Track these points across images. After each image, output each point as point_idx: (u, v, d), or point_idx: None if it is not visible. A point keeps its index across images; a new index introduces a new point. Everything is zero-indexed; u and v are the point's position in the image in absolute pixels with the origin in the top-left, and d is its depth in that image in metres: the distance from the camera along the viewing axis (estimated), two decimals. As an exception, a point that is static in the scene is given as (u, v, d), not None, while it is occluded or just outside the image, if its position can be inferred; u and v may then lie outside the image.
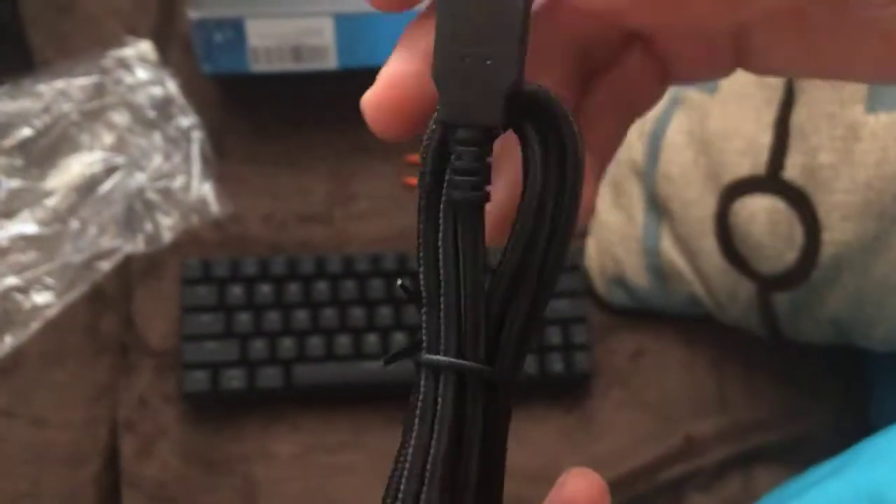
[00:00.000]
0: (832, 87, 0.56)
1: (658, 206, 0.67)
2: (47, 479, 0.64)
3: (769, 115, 0.60)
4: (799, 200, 0.58)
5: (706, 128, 0.63)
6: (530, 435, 0.66)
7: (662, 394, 0.67)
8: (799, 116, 0.58)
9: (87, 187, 0.66)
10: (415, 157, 0.71)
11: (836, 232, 0.57)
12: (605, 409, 0.67)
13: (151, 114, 0.67)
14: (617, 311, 0.70)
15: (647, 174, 0.67)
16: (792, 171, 0.58)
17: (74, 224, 0.65)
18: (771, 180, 0.59)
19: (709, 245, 0.63)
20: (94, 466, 0.65)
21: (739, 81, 0.62)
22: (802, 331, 0.63)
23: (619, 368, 0.68)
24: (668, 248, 0.66)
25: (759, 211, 0.60)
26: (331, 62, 0.66)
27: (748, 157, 0.60)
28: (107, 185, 0.66)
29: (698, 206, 0.64)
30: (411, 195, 0.70)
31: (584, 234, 0.71)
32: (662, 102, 0.68)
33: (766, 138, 0.60)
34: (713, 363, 0.68)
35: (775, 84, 0.60)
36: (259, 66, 0.66)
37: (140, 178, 0.66)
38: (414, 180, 0.70)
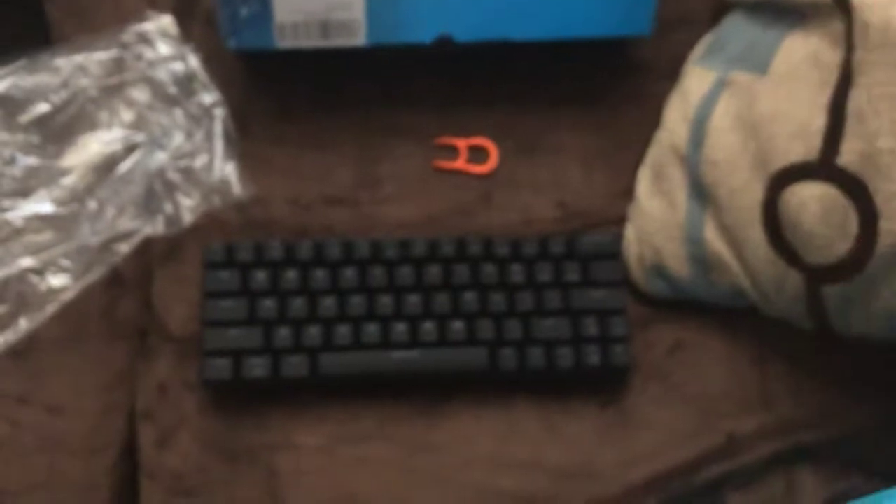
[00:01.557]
0: (894, 67, 0.53)
1: (702, 193, 0.63)
2: (62, 468, 0.62)
3: (823, 97, 0.57)
4: (854, 188, 0.55)
5: (755, 111, 0.60)
6: (565, 430, 0.63)
7: (703, 389, 0.64)
8: (857, 99, 0.55)
9: (106, 166, 0.63)
10: (445, 139, 0.68)
11: (895, 222, 0.53)
12: (642, 404, 0.64)
13: (173, 90, 0.64)
14: (656, 302, 0.67)
15: (691, 159, 0.64)
16: (848, 156, 0.55)
17: (92, 204, 0.62)
18: (824, 167, 0.56)
19: (756, 234, 0.60)
20: (111, 456, 0.63)
21: (791, 62, 0.59)
22: (853, 325, 0.60)
23: (658, 362, 0.65)
24: (713, 237, 0.63)
25: (810, 199, 0.56)
26: (360, 38, 0.63)
27: (800, 142, 0.57)
28: (126, 164, 0.63)
29: (745, 193, 0.60)
30: (441, 179, 0.68)
31: (622, 221, 0.68)
32: (708, 83, 0.66)
33: (819, 122, 0.56)
34: (756, 358, 0.65)
35: (830, 64, 0.57)
36: (285, 41, 0.63)
37: (160, 158, 0.63)
38: (444, 163, 0.68)
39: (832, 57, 0.56)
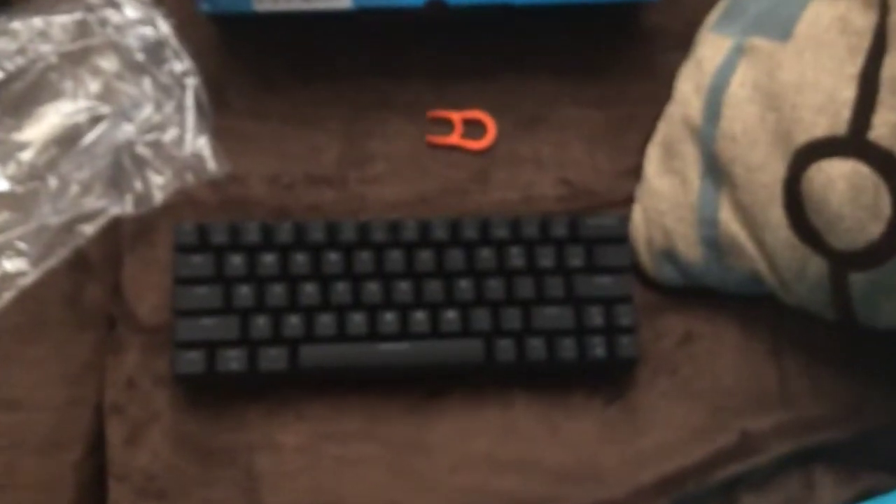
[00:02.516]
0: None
1: (717, 171, 0.59)
2: (22, 467, 0.57)
3: (853, 65, 0.52)
4: (887, 165, 0.50)
5: (776, 80, 0.55)
6: (567, 428, 0.58)
7: (715, 384, 0.60)
8: (891, 66, 0.50)
9: (68, 139, 0.58)
10: (439, 113, 0.63)
11: (933, 202, 0.49)
12: (650, 400, 0.60)
13: (141, 58, 0.59)
14: (665, 289, 0.62)
15: (706, 134, 0.59)
16: (880, 130, 0.50)
17: (53, 181, 0.57)
18: (854, 141, 0.51)
19: (776, 216, 0.55)
20: (75, 454, 0.58)
21: (818, 26, 0.54)
22: (880, 316, 0.55)
23: (667, 354, 0.61)
24: (728, 218, 0.58)
25: (837, 177, 0.52)
26: (345, 0, 0.58)
27: (826, 115, 0.52)
28: (90, 138, 0.58)
29: (765, 170, 0.56)
30: (434, 156, 0.63)
31: (629, 202, 0.63)
32: (724, 51, 0.61)
33: (848, 93, 0.51)
34: (773, 350, 0.61)
35: (861, 30, 0.52)
36: (263, 4, 0.58)
37: (128, 130, 0.58)
38: (438, 139, 0.63)
39: (863, 21, 0.52)
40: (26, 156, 0.57)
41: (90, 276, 0.60)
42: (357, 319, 0.57)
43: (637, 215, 0.63)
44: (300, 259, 0.57)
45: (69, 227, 0.58)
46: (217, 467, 0.57)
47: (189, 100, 0.59)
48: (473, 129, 0.64)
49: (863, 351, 0.60)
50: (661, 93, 0.64)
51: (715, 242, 0.59)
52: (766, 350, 0.61)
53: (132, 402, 0.58)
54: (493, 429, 0.58)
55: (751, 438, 0.59)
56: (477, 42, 0.65)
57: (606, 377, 0.60)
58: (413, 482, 0.57)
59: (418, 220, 0.59)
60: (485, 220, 0.59)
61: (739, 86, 0.57)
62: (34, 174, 0.57)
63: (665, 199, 0.61)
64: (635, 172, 0.64)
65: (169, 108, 0.59)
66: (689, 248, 0.60)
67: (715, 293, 0.61)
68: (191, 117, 0.59)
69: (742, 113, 0.57)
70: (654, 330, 0.61)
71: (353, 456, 0.57)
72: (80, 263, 0.60)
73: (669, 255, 0.61)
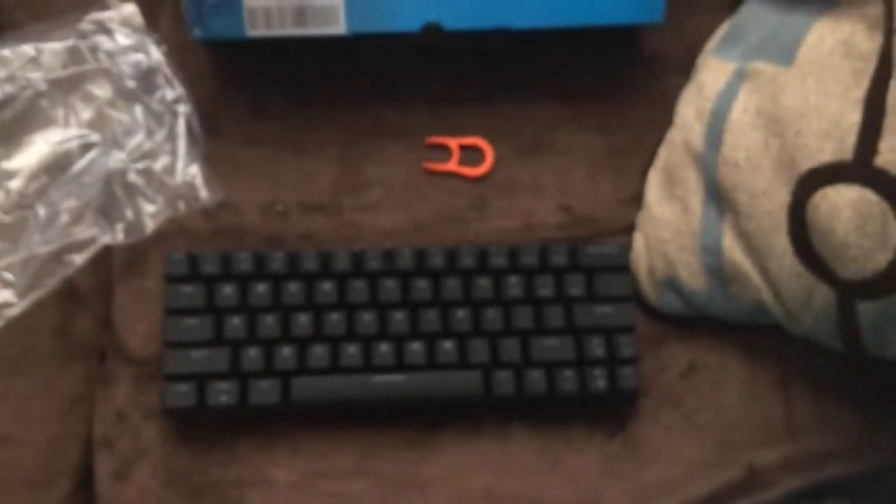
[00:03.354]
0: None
1: (720, 198, 0.57)
2: (9, 503, 0.55)
3: (858, 90, 0.50)
4: (895, 191, 0.49)
5: (780, 105, 0.54)
6: (568, 463, 0.57)
7: (720, 416, 0.58)
8: (898, 91, 0.49)
9: (58, 167, 0.57)
10: (436, 139, 0.62)
11: (942, 230, 0.47)
12: (653, 433, 0.58)
13: (132, 84, 0.58)
14: (668, 318, 0.60)
15: (708, 160, 0.58)
16: (887, 156, 0.49)
17: (42, 210, 0.56)
18: (860, 167, 0.50)
19: (780, 244, 0.54)
20: (63, 489, 0.57)
21: (821, 51, 0.53)
22: (890, 346, 0.54)
23: (670, 386, 0.59)
24: (731, 246, 0.57)
25: (843, 204, 0.50)
26: (340, 26, 0.57)
27: (831, 140, 0.51)
28: (80, 165, 0.57)
29: (769, 197, 0.54)
30: (431, 182, 0.62)
31: (630, 229, 0.62)
32: (726, 75, 0.59)
33: (853, 117, 0.50)
34: (779, 381, 0.59)
35: (866, 53, 0.51)
36: (257, 30, 0.57)
37: (119, 158, 0.57)
38: (435, 165, 0.62)
39: (868, 44, 0.51)
40: (15, 184, 0.56)
41: (79, 306, 0.59)
42: (351, 351, 0.55)
43: (638, 243, 0.61)
44: (293, 288, 0.56)
45: (58, 256, 0.57)
46: (207, 503, 0.55)
47: (181, 127, 0.58)
48: (471, 155, 0.62)
49: (872, 382, 0.59)
50: (663, 118, 0.63)
51: (718, 271, 0.58)
52: (773, 381, 0.59)
53: (121, 436, 0.57)
54: (492, 463, 0.56)
55: (758, 473, 0.57)
56: (475, 67, 0.64)
57: (608, 410, 0.58)
58: (409, 519, 0.55)
59: (414, 248, 0.58)
60: (483, 249, 0.58)
61: (742, 111, 0.56)
62: (23, 203, 0.56)
63: (667, 226, 0.60)
64: (637, 199, 0.62)
65: (160, 135, 0.58)
66: (692, 277, 0.59)
67: (719, 323, 0.60)
68: (182, 144, 0.58)
69: (744, 138, 0.56)
70: (656, 361, 0.59)
71: (346, 492, 0.55)
72: (69, 294, 0.59)
73: (672, 283, 0.59)
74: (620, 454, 0.57)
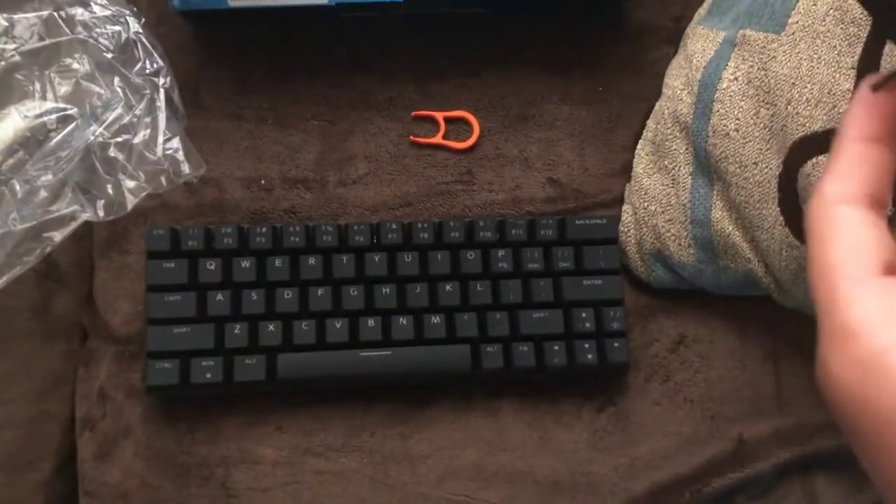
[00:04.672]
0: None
1: (709, 169, 0.57)
2: (-11, 486, 0.54)
3: (850, 55, 0.50)
4: (886, 160, 0.48)
5: (770, 73, 0.53)
6: (557, 437, 0.56)
7: (710, 389, 0.58)
8: (892, 57, 0.48)
9: (35, 142, 0.56)
10: (422, 112, 0.61)
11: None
12: (642, 407, 0.57)
13: (110, 56, 0.57)
14: (656, 292, 0.60)
15: (697, 130, 0.57)
16: (878, 124, 0.48)
17: (19, 186, 0.55)
18: (852, 136, 0.49)
19: (771, 214, 0.53)
20: (45, 471, 0.56)
21: (813, 16, 0.52)
22: (881, 316, 0.53)
23: (660, 359, 0.58)
24: (721, 217, 0.56)
25: (835, 173, 0.49)
26: (323, -4, 0.55)
27: (823, 108, 0.50)
28: (58, 139, 0.55)
29: (759, 167, 0.54)
30: (417, 156, 0.60)
31: (618, 202, 0.61)
32: (715, 44, 0.58)
33: (846, 84, 0.49)
34: (769, 354, 0.59)
35: (860, 19, 0.50)
36: (238, 0, 0.55)
37: (98, 132, 0.56)
38: (421, 138, 0.60)
39: (861, 9, 0.49)
40: (-11, 159, 0.55)
41: (59, 284, 0.58)
42: (337, 326, 0.54)
43: (627, 216, 0.60)
44: (278, 264, 0.55)
45: (37, 233, 0.55)
46: (192, 483, 0.54)
47: (161, 100, 0.57)
48: (457, 128, 0.61)
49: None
50: (650, 89, 0.62)
51: (708, 243, 0.57)
52: (763, 354, 0.59)
53: (104, 416, 0.56)
54: (481, 438, 0.56)
55: (748, 446, 0.56)
56: (461, 39, 0.63)
57: (597, 384, 0.58)
58: (398, 496, 0.54)
59: (401, 222, 0.57)
60: (470, 222, 0.57)
61: (731, 80, 0.55)
62: (-2, 178, 0.55)
63: (655, 198, 0.59)
64: (625, 172, 0.61)
65: (140, 108, 0.56)
66: (681, 250, 0.58)
67: (708, 295, 0.59)
68: (163, 118, 0.57)
69: (734, 108, 0.55)
70: (645, 334, 0.59)
71: (334, 469, 0.55)
72: (48, 272, 0.58)
73: (661, 256, 0.59)
74: (610, 428, 0.57)
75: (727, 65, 0.56)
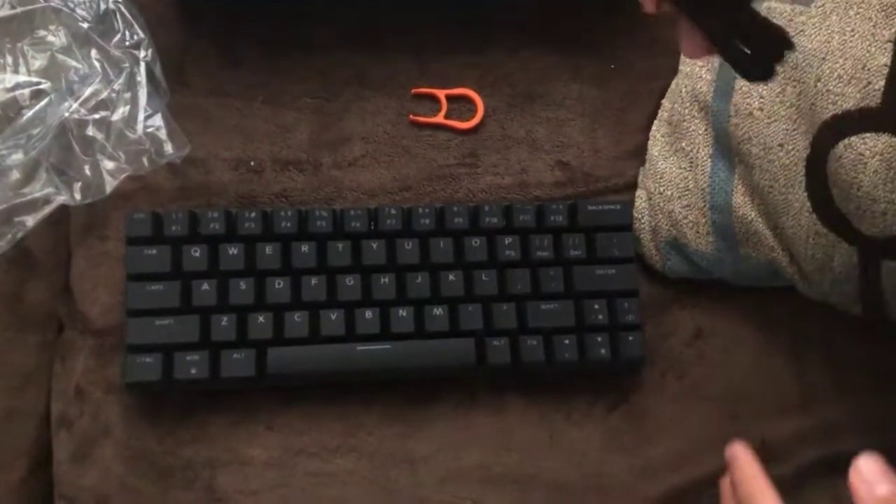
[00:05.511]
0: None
1: (730, 151, 0.53)
2: (-44, 488, 0.51)
3: (888, 28, 0.46)
4: (926, 140, 0.45)
5: (798, 48, 0.50)
6: (567, 437, 0.53)
7: (729, 386, 0.55)
8: (932, 28, 0.44)
9: (5, 118, 0.51)
10: (423, 90, 0.57)
11: (978, 181, 0.43)
12: (658, 404, 0.54)
13: (88, 27, 0.53)
14: (671, 282, 0.56)
15: (717, 110, 0.53)
16: (918, 101, 0.45)
17: (-13, 166, 0.51)
18: (889, 114, 0.46)
19: (797, 199, 0.50)
20: (18, 472, 0.52)
21: (846, -13, 0.48)
22: (915, 310, 0.50)
23: (676, 354, 0.55)
24: (743, 203, 0.53)
25: (870, 154, 0.46)
26: (317, -38, 0.52)
27: (856, 85, 0.47)
28: (30, 116, 0.51)
29: (785, 149, 0.50)
30: (418, 136, 0.57)
31: (632, 187, 0.57)
32: (738, 19, 0.55)
33: (882, 59, 0.46)
34: (792, 349, 0.55)
35: (896, -11, 0.46)
36: (225, -34, 0.51)
37: (73, 108, 0.52)
38: (422, 118, 0.57)
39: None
40: (-46, 136, 0.51)
41: (33, 272, 0.54)
42: (332, 318, 0.51)
43: (641, 201, 0.57)
44: (268, 251, 0.51)
45: (8, 217, 0.51)
46: (176, 486, 0.50)
47: (142, 75, 0.53)
48: (460, 107, 0.58)
49: (891, 349, 0.55)
50: (665, 67, 0.59)
51: (728, 230, 0.54)
52: (786, 349, 0.55)
53: (81, 414, 0.52)
54: (486, 438, 0.52)
55: (770, 447, 0.53)
56: (463, 12, 0.59)
57: (609, 380, 0.54)
58: (397, 499, 0.51)
59: (400, 207, 0.53)
60: (475, 207, 0.53)
61: (755, 56, 0.52)
62: (-35, 157, 0.51)
63: (672, 182, 0.55)
64: (638, 154, 0.58)
65: (119, 83, 0.52)
66: (699, 237, 0.54)
67: (727, 286, 0.56)
68: (144, 94, 0.53)
69: (759, 85, 0.51)
70: (660, 327, 0.55)
71: (329, 471, 0.51)
72: (21, 258, 0.54)
73: (677, 244, 0.55)
74: (623, 427, 0.53)
75: (751, 39, 0.52)
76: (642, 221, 0.56)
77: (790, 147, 0.50)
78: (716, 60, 0.54)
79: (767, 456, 0.53)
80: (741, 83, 0.52)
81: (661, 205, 0.56)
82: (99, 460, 0.51)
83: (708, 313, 0.56)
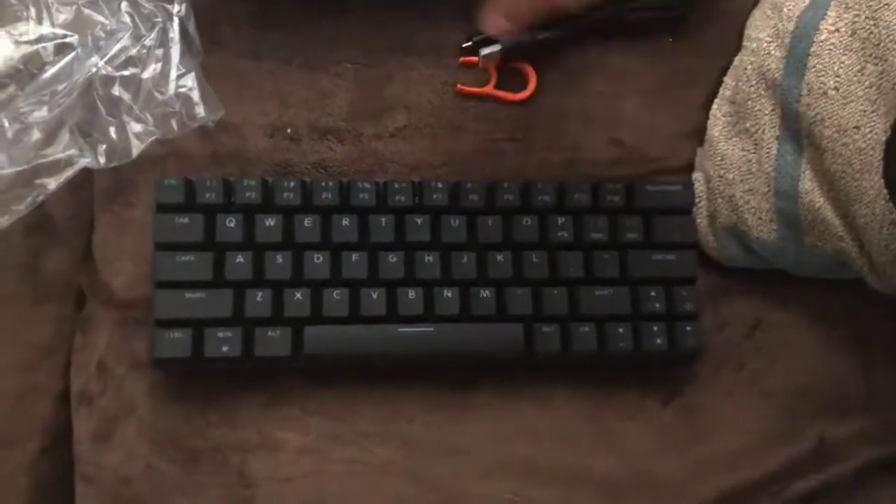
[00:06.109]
0: None
1: (799, 133, 0.50)
2: (-32, 466, 0.48)
3: (982, 4, 0.43)
4: None
5: (882, 23, 0.46)
6: (617, 431, 0.50)
7: (788, 381, 0.52)
8: None
9: (27, 74, 0.48)
10: (472, 58, 0.54)
11: None
12: (713, 399, 0.51)
13: (118, -23, 0.49)
14: (728, 270, 0.53)
15: (787, 88, 0.50)
16: None
17: (7, 122, 0.47)
18: (981, 97, 0.43)
19: (872, 186, 0.47)
20: (31, 451, 0.49)
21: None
22: None
23: (732, 346, 0.52)
24: (811, 189, 0.50)
25: (957, 139, 0.43)
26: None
27: (945, 65, 0.43)
28: (54, 72, 0.48)
29: (862, 132, 0.47)
30: (464, 107, 0.54)
31: (689, 168, 0.54)
32: (812, -10, 0.52)
33: (976, 37, 0.43)
34: (855, 344, 0.53)
35: None
36: (268, -84, 0.48)
37: (99, 65, 0.48)
38: (470, 87, 0.53)
39: None
40: (-27, 90, 0.47)
41: (53, 239, 0.51)
42: (373, 297, 0.47)
43: (698, 184, 0.54)
44: (307, 224, 0.48)
45: (27, 179, 0.48)
46: (203, 470, 0.48)
47: (175, 31, 0.49)
48: (511, 78, 0.54)
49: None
50: (727, 42, 0.55)
51: (793, 217, 0.50)
52: (848, 343, 0.53)
53: (103, 391, 0.49)
54: (531, 431, 0.49)
55: (830, 446, 0.51)
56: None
57: (662, 372, 0.51)
58: (436, 492, 0.48)
59: (448, 181, 0.50)
60: (526, 184, 0.50)
61: (832, 31, 0.49)
62: (-16, 113, 0.47)
63: (733, 165, 0.52)
64: (697, 134, 0.55)
65: (150, 39, 0.49)
66: (762, 225, 0.51)
67: (787, 275, 0.53)
68: (176, 52, 0.49)
69: (834, 63, 0.48)
70: (716, 317, 0.52)
71: (366, 459, 0.48)
72: (40, 224, 0.50)
73: (737, 231, 0.52)
74: (676, 422, 0.50)
75: (826, 14, 0.49)
76: (699, 206, 0.53)
77: (867, 130, 0.47)
78: (787, 37, 0.50)
79: (826, 456, 0.51)
80: (816, 60, 0.49)
81: (721, 189, 0.52)
82: (122, 440, 0.48)
83: (766, 303, 0.53)
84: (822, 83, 0.48)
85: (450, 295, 0.48)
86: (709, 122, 0.54)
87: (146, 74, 0.49)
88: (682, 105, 0.55)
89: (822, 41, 0.49)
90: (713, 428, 0.50)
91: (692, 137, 0.55)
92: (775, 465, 0.50)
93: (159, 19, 0.50)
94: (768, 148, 0.51)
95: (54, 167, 0.49)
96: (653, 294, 0.49)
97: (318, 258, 0.48)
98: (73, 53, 0.49)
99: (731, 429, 0.51)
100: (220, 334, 0.46)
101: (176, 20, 0.50)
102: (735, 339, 0.52)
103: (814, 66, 0.49)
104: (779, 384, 0.51)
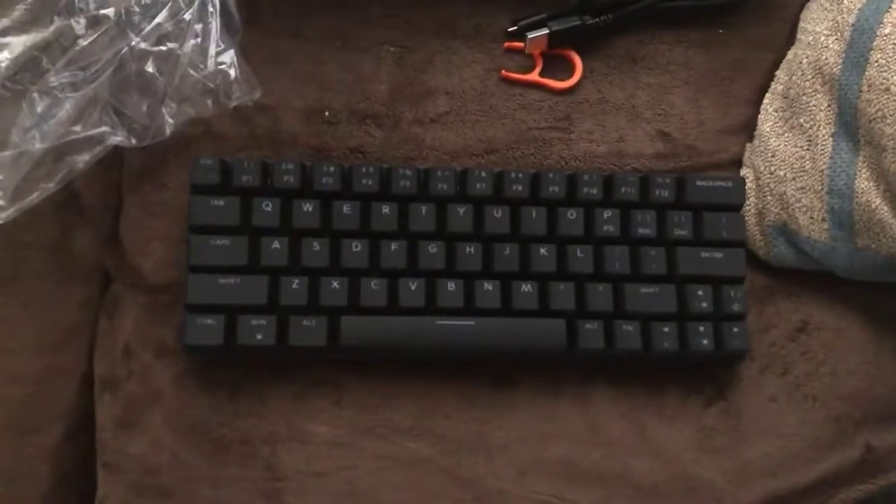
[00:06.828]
0: None
1: (857, 130, 0.48)
2: (-13, 450, 0.46)
3: None
4: None
5: (951, 19, 0.44)
6: (657, 434, 0.48)
7: (834, 386, 0.50)
8: None
9: (59, 48, 0.46)
10: (516, 44, 0.52)
11: None
12: (757, 402, 0.50)
13: (156, -52, 0.47)
14: (775, 270, 0.52)
15: (846, 83, 0.48)
16: None
17: (37, 97, 0.45)
18: None
19: (933, 187, 0.45)
20: (53, 436, 0.48)
21: None
22: None
23: (777, 349, 0.50)
24: (867, 188, 0.48)
25: None
26: None
27: None
28: (86, 46, 0.46)
29: (925, 131, 0.45)
30: (508, 95, 0.52)
31: (737, 165, 0.52)
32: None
33: None
34: (905, 349, 0.51)
35: None
36: None
37: (134, 40, 0.46)
38: (514, 74, 0.52)
39: None
40: (2, 58, 0.45)
41: (81, 218, 0.49)
42: (412, 288, 0.46)
43: (747, 181, 0.52)
44: (346, 210, 0.46)
45: (57, 155, 0.46)
46: (232, 462, 0.46)
47: (215, 5, 0.48)
48: (557, 65, 0.52)
49: None
50: (780, 34, 0.54)
51: (847, 218, 0.49)
52: (898, 349, 0.51)
53: (129, 376, 0.47)
54: (571, 430, 0.48)
55: (877, 455, 0.49)
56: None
57: (705, 374, 0.50)
58: (472, 490, 0.46)
59: (491, 170, 0.48)
60: (572, 176, 0.48)
61: None
62: (10, 87, 0.46)
63: (785, 162, 0.51)
64: (747, 129, 0.53)
65: (190, 14, 0.47)
66: (813, 224, 0.50)
67: (835, 276, 0.51)
68: (216, 27, 0.47)
69: (898, 59, 0.46)
70: (761, 319, 0.51)
71: (399, 454, 0.47)
72: (68, 202, 0.49)
73: (786, 230, 0.51)
74: (718, 426, 0.49)
75: (891, 7, 0.47)
76: (748, 203, 0.52)
77: (931, 129, 0.45)
78: (847, 30, 0.49)
79: (872, 466, 0.49)
80: (878, 55, 0.47)
81: (771, 186, 0.51)
82: (147, 428, 0.46)
83: (814, 305, 0.51)
84: (884, 79, 0.47)
85: (491, 288, 0.47)
86: (759, 116, 0.53)
87: (183, 51, 0.47)
88: (732, 98, 0.53)
89: (885, 35, 0.47)
90: (756, 432, 0.49)
91: (741, 132, 0.53)
92: (820, 473, 0.48)
93: (197, -6, 0.48)
94: (823, 145, 0.50)
95: (85, 144, 0.47)
96: (700, 293, 0.48)
97: (356, 246, 0.46)
98: (106, 27, 0.47)
99: (775, 434, 0.49)
100: (254, 322, 0.45)
101: (215, -4, 0.48)
102: (780, 342, 0.50)
103: (876, 61, 0.47)
104: (825, 389, 0.50)
